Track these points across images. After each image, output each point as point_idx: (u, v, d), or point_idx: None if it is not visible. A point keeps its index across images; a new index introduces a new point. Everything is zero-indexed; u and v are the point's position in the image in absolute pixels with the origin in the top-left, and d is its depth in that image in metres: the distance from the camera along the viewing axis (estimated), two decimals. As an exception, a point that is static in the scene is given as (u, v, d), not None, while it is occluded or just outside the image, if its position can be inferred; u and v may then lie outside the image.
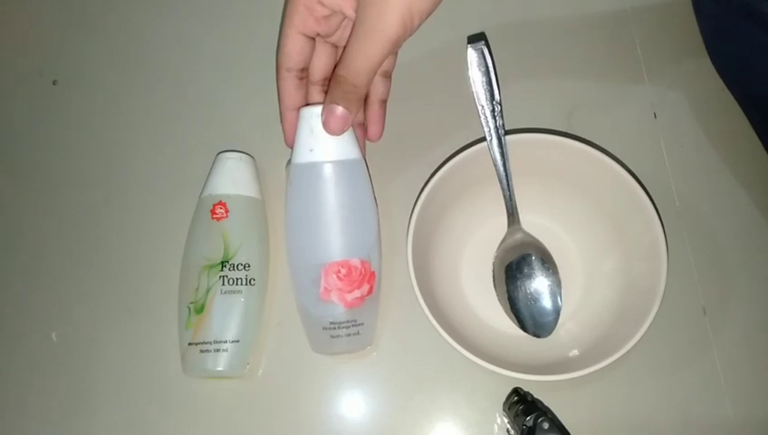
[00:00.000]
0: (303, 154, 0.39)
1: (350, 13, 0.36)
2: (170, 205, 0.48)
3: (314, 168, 0.39)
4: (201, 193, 0.45)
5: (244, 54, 0.52)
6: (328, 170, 0.39)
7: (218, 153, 0.46)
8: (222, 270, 0.42)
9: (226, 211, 0.43)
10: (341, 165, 0.40)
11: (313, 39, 0.40)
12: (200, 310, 0.42)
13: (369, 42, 0.35)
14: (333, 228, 0.40)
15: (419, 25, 0.36)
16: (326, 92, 0.37)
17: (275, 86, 0.46)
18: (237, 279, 0.43)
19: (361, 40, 0.35)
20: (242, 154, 0.46)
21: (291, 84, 0.40)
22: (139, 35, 0.54)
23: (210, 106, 0.51)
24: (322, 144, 0.39)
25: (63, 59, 0.53)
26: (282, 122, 0.43)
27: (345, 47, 0.36)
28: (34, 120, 0.52)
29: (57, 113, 0.52)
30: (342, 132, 0.38)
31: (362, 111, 0.45)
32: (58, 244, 0.48)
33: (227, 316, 0.42)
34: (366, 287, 0.41)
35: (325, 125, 0.37)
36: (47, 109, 0.52)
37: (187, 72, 0.52)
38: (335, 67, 0.38)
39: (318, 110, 0.38)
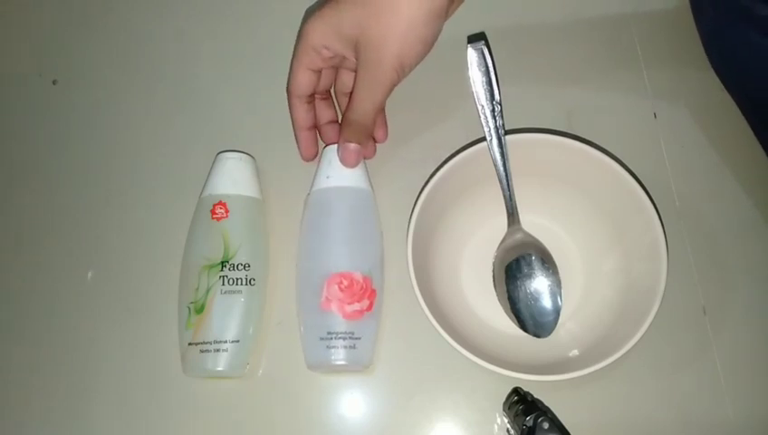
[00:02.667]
0: (321, 181, 0.44)
1: (351, 57, 0.43)
2: (170, 205, 0.48)
3: (329, 191, 0.44)
4: (201, 193, 0.45)
5: (244, 54, 0.52)
6: (341, 193, 0.44)
7: (218, 153, 0.46)
8: (222, 270, 0.42)
9: (226, 211, 0.44)
10: (353, 191, 0.44)
11: (319, 72, 0.46)
12: (200, 310, 0.42)
13: (371, 90, 0.42)
14: (340, 243, 0.43)
15: (410, 71, 0.42)
16: (339, 133, 0.44)
17: (276, 87, 0.48)
18: (237, 279, 0.43)
19: (364, 88, 0.42)
20: (242, 154, 0.46)
21: (301, 109, 0.46)
22: (139, 35, 0.54)
23: (210, 106, 0.51)
24: (338, 172, 0.44)
25: (63, 59, 0.53)
26: (297, 141, 0.48)
27: (351, 93, 0.43)
28: (34, 120, 0.52)
29: (57, 113, 0.52)
30: (357, 164, 0.44)
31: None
32: (58, 244, 0.48)
33: (227, 316, 0.42)
34: (366, 302, 0.42)
35: (342, 160, 0.44)
36: (47, 109, 0.52)
37: (187, 71, 0.52)
38: (345, 111, 0.45)
39: (336, 146, 0.44)
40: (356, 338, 0.41)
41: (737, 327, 0.44)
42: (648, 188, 0.41)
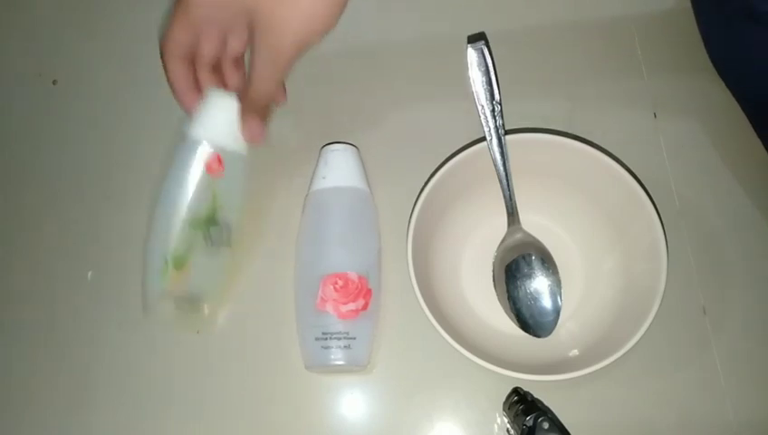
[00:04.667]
0: (318, 182, 0.44)
1: (242, 28, 0.41)
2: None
3: (325, 191, 0.44)
4: (189, 131, 0.41)
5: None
6: (336, 193, 0.44)
7: (211, 91, 0.43)
8: (206, 228, 0.41)
9: (221, 168, 0.41)
10: (349, 191, 0.44)
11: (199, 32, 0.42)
12: (180, 265, 0.41)
13: (271, 69, 0.40)
14: (335, 243, 0.43)
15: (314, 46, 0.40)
16: (241, 107, 0.42)
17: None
18: (219, 239, 0.42)
19: (264, 68, 0.40)
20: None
21: (181, 70, 0.43)
22: (140, 35, 0.53)
23: (210, 106, 0.51)
24: (334, 173, 0.44)
25: (63, 59, 0.53)
26: (183, 104, 0.44)
27: (250, 70, 0.41)
28: (34, 120, 0.52)
29: (57, 113, 0.52)
30: (261, 138, 0.42)
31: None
32: (58, 244, 0.48)
33: (206, 274, 0.42)
34: (361, 302, 0.42)
35: (247, 137, 0.42)
36: (47, 109, 0.52)
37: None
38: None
39: (332, 147, 0.45)
40: (351, 338, 0.41)
41: (737, 327, 0.44)
42: (648, 188, 0.41)
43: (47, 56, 0.54)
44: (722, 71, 0.47)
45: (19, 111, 0.52)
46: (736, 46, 0.45)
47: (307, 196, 0.45)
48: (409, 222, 0.41)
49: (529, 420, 0.39)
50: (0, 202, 0.50)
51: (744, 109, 0.47)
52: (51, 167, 0.50)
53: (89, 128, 0.51)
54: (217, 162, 0.41)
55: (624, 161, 0.42)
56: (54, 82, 0.53)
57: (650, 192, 0.41)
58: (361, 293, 0.42)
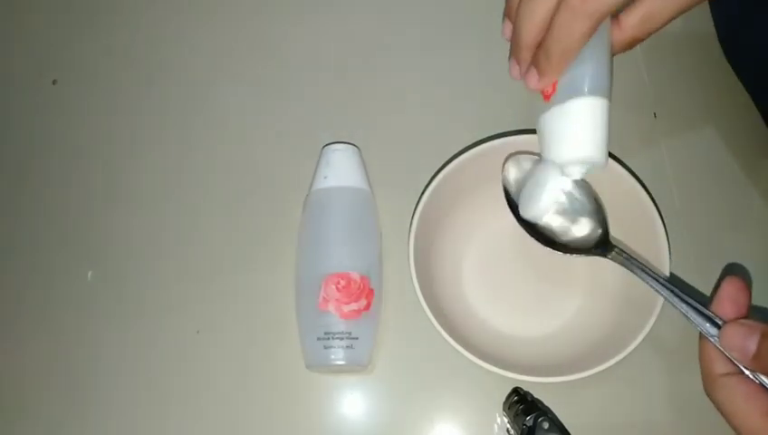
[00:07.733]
0: (319, 181, 0.45)
1: None
2: (169, 204, 0.48)
3: (327, 191, 0.44)
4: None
5: (244, 53, 0.52)
6: (338, 193, 0.44)
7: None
8: None
9: None
10: (350, 191, 0.44)
11: None
12: None
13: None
14: (337, 243, 0.43)
15: None
16: None
17: (275, 89, 0.48)
18: None
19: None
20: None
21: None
22: (140, 35, 0.54)
23: (210, 106, 0.51)
24: (335, 173, 0.45)
25: (63, 59, 0.53)
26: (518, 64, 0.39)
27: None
28: (34, 120, 0.52)
29: (57, 113, 0.52)
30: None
31: None
32: (58, 244, 0.48)
33: None
34: (363, 302, 0.42)
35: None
36: (47, 109, 0.52)
37: (188, 71, 0.52)
38: None
39: (333, 146, 0.45)
40: (353, 338, 0.41)
41: (737, 327, 0.44)
42: (648, 188, 0.41)
43: (47, 56, 0.54)
44: (735, 62, 0.46)
45: (19, 111, 0.52)
46: (751, 36, 0.43)
47: (308, 195, 0.45)
48: (411, 222, 0.41)
49: (529, 420, 0.39)
50: (0, 202, 0.50)
51: (758, 104, 0.45)
52: (50, 166, 0.50)
53: (89, 128, 0.51)
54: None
55: (624, 161, 0.42)
56: (54, 82, 0.53)
57: (650, 192, 0.41)
58: (363, 293, 0.42)
